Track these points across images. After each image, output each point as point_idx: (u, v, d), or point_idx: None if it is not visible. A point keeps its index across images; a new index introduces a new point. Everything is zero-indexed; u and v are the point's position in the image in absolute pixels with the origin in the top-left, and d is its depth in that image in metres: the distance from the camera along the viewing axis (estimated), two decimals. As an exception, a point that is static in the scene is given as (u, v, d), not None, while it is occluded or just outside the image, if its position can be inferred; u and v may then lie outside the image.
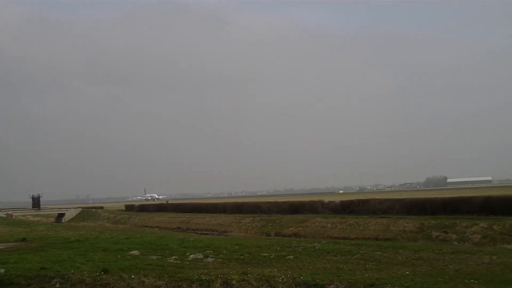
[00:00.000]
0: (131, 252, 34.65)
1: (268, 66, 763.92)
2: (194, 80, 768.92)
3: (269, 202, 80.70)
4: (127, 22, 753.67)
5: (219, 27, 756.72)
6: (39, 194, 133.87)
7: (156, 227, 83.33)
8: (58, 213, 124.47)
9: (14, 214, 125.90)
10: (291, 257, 30.97)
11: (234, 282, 22.87)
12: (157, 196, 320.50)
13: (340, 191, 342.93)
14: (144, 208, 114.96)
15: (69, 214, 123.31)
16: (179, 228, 77.60)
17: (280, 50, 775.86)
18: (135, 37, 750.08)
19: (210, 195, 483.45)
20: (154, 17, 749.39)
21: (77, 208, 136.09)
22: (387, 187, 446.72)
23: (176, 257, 32.11)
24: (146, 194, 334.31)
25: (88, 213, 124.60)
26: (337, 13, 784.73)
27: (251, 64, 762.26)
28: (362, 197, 74.04)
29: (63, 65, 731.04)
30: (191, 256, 32.34)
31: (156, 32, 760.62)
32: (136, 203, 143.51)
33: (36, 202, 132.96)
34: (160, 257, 32.37)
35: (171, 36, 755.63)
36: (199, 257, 32.04)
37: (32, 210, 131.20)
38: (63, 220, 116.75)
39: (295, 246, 36.61)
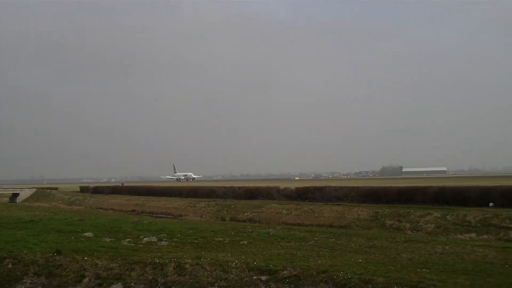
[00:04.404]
0: (84, 234, 34.46)
1: (222, 50, 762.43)
2: (147, 63, 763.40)
3: (224, 187, 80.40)
4: (75, 5, 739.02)
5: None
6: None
7: (111, 209, 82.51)
8: (12, 193, 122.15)
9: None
10: (245, 242, 31.00)
11: (187, 266, 22.70)
12: (193, 176, 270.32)
13: (296, 178, 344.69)
14: (99, 190, 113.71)
15: (24, 194, 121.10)
16: (134, 210, 76.96)
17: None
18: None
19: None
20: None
21: (32, 188, 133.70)
22: (343, 175, 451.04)
23: (130, 239, 31.95)
24: (176, 172, 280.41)
25: (42, 193, 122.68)
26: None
27: (203, 47, 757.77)
28: (317, 184, 74.13)
29: (11, 45, 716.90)
30: (145, 239, 32.20)
31: (108, 15, 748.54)
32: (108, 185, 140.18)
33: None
34: (113, 239, 32.19)
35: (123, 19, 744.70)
36: (153, 240, 31.93)
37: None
38: (17, 200, 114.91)
39: (249, 232, 36.65)
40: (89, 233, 34.97)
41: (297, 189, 66.88)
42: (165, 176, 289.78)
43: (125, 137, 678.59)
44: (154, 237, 32.80)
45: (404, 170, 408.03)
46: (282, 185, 75.65)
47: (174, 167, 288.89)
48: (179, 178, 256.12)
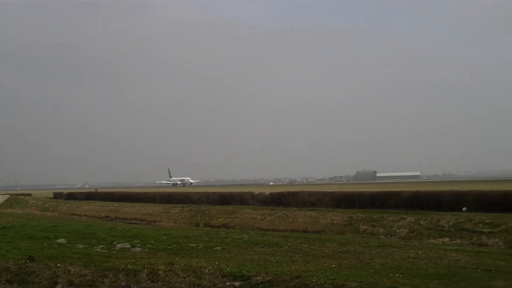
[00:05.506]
0: (58, 240, 34.26)
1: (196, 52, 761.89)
2: (113, 66, 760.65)
3: (199, 193, 80.00)
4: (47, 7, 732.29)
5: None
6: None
7: (85, 215, 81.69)
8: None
9: None
10: (219, 248, 30.95)
11: (160, 272, 22.66)
12: (191, 180, 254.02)
13: (270, 183, 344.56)
14: (72, 196, 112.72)
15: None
16: (107, 217, 76.28)
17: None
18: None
19: (140, 184, 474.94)
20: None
21: (5, 194, 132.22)
22: (317, 180, 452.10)
23: (103, 246, 31.79)
24: (171, 177, 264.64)
25: (16, 200, 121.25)
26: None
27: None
28: (292, 189, 74.40)
29: None
30: (118, 245, 32.02)
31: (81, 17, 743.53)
32: (72, 191, 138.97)
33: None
34: (87, 245, 32.00)
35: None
36: (126, 246, 31.75)
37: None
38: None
39: (223, 237, 36.57)
40: (62, 239, 34.72)
41: (272, 194, 66.74)
42: (161, 181, 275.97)
43: (99, 143, 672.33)
44: (127, 244, 32.61)
45: (378, 175, 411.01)
46: (256, 190, 75.42)
47: (169, 171, 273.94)
48: (176, 183, 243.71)
